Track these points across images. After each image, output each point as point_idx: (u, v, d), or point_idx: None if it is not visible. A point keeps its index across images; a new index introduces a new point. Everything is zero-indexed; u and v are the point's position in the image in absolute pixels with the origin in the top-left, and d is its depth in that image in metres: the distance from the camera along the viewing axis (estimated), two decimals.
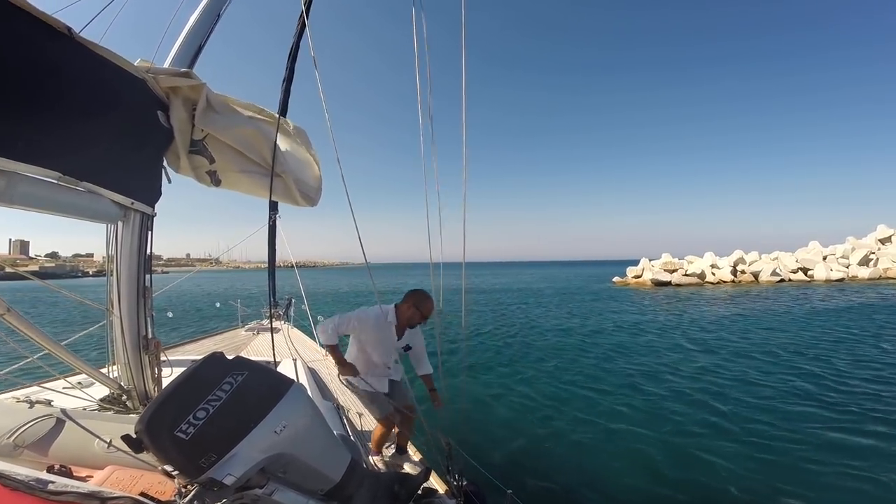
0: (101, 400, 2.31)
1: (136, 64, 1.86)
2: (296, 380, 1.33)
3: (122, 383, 2.26)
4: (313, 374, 4.40)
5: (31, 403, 1.75)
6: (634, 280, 38.63)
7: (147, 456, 1.42)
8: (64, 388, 2.47)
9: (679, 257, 40.51)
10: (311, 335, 6.09)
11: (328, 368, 4.82)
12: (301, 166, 2.49)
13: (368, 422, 3.57)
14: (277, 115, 2.41)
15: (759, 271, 36.56)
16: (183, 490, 1.06)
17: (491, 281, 50.01)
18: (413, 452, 3.21)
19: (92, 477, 1.43)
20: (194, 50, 2.49)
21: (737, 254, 38.96)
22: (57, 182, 1.51)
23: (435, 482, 2.45)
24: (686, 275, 36.71)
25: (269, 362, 3.54)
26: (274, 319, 6.73)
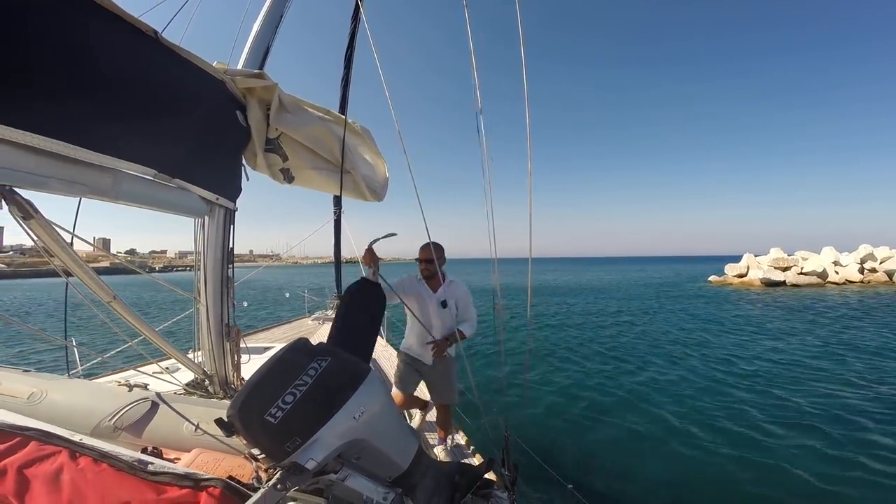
0: (187, 384, 2.45)
1: (214, 66, 1.93)
2: None
3: (205, 369, 2.39)
4: (374, 363, 4.48)
5: (131, 387, 1.85)
6: (737, 279, 33.51)
7: (233, 440, 1.46)
8: (154, 372, 2.65)
9: (788, 253, 34.42)
10: None
11: (388, 360, 4.88)
12: (368, 163, 2.51)
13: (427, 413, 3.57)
14: (344, 116, 2.43)
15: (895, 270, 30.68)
16: (265, 473, 1.06)
17: (551, 279, 46.80)
18: (464, 440, 3.19)
19: (180, 459, 1.48)
20: (262, 51, 2.55)
21: (864, 249, 32.76)
22: (153, 179, 1.58)
23: (490, 473, 2.39)
24: (802, 273, 31.30)
25: None
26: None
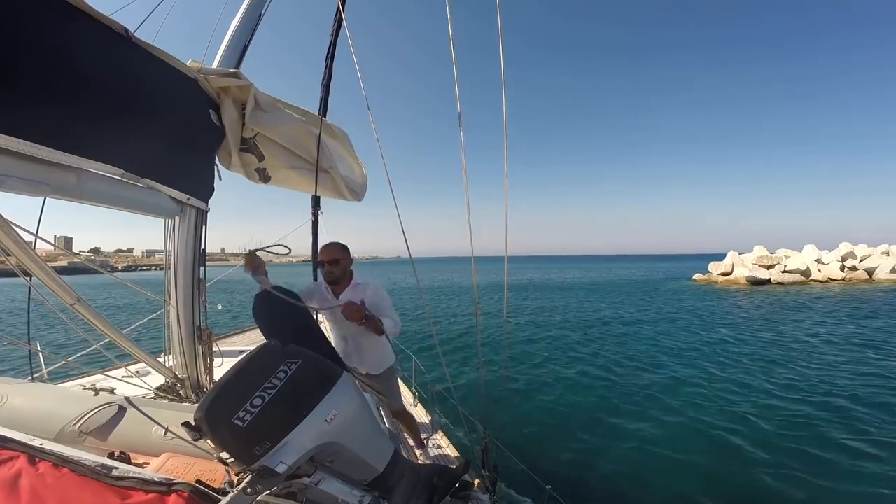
0: (158, 388, 2.37)
1: (188, 64, 1.88)
2: None
3: (176, 372, 2.32)
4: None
5: (96, 391, 1.79)
6: (722, 277, 32.94)
7: (202, 443, 1.43)
8: (123, 376, 2.55)
9: (770, 251, 34.03)
10: None
11: None
12: (346, 163, 2.50)
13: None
14: (320, 116, 2.41)
15: (875, 268, 30.86)
16: (236, 478, 1.04)
17: (533, 276, 47.24)
18: (446, 444, 3.18)
19: (149, 463, 1.44)
20: (240, 50, 2.49)
21: (844, 247, 32.72)
22: (120, 179, 1.53)
23: (468, 475, 2.41)
24: (786, 271, 31.18)
25: None
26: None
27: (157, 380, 2.42)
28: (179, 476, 1.19)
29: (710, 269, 35.05)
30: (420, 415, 3.63)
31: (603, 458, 4.83)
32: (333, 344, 2.48)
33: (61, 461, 0.94)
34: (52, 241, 1.73)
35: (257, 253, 2.19)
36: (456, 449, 3.10)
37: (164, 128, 1.70)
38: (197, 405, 1.98)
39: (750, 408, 6.35)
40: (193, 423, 1.00)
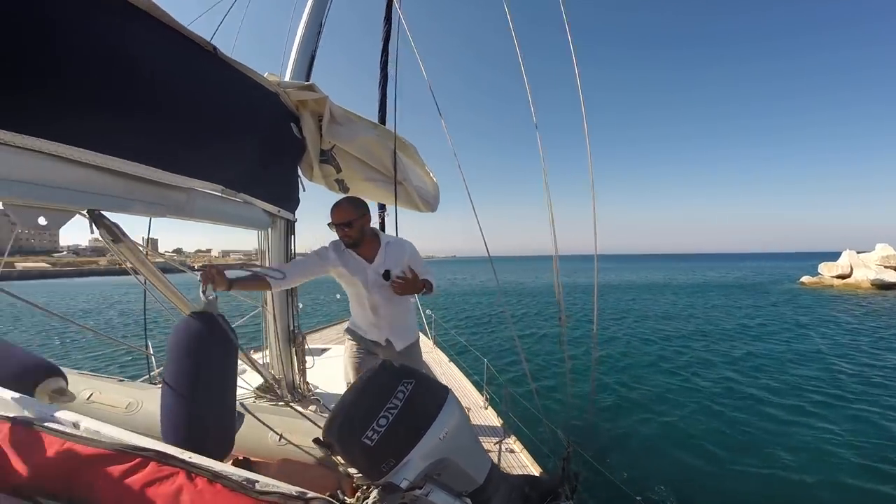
0: (257, 388, 2.50)
1: (267, 78, 1.91)
2: None
3: (274, 373, 2.44)
4: (425, 366, 4.47)
5: None
6: (839, 281, 27.70)
7: (315, 451, 1.50)
8: None
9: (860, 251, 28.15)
10: (419, 329, 6.18)
11: (435, 362, 4.86)
12: (418, 175, 2.50)
13: (476, 416, 3.54)
14: (384, 121, 2.39)
15: None
16: (349, 486, 1.14)
17: (613, 277, 40.38)
18: (519, 448, 3.08)
19: (267, 468, 1.50)
20: (308, 61, 2.55)
21: None
22: (220, 195, 1.61)
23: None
24: None
25: None
26: None
27: (254, 379, 2.55)
28: (295, 482, 1.24)
29: (820, 271, 29.80)
30: (491, 418, 3.56)
31: (698, 478, 4.27)
32: (353, 314, 2.17)
33: (214, 476, 0.99)
34: (165, 257, 1.85)
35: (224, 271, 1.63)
36: (530, 454, 3.01)
37: (254, 143, 1.76)
38: (306, 410, 2.07)
39: None
40: (324, 441, 1.07)
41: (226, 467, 1.05)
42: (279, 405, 2.34)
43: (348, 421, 1.06)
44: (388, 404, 1.07)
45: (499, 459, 2.90)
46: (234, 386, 1.41)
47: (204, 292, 1.41)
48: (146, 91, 1.15)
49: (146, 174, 1.19)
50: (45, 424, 1.15)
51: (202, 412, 1.25)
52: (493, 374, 4.11)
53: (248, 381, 2.54)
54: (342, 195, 2.24)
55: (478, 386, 4.03)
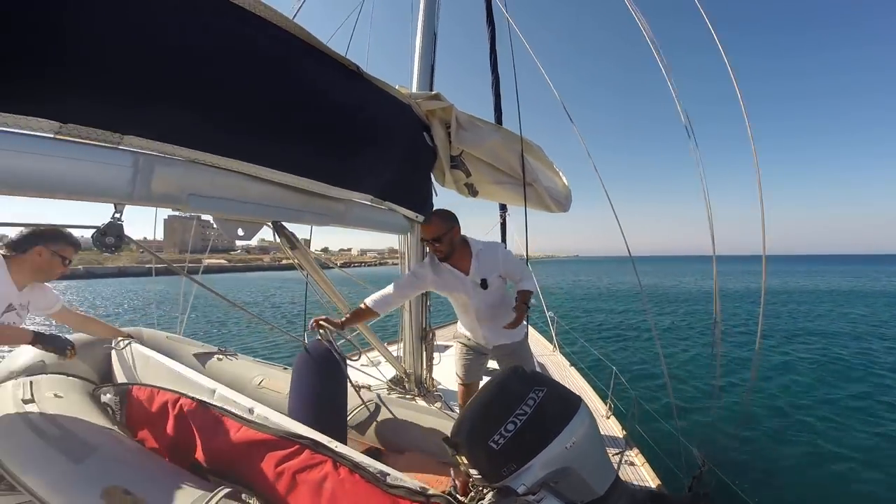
0: (390, 381, 2.70)
1: (400, 91, 2.00)
2: None
3: (405, 368, 2.61)
4: (544, 369, 4.37)
5: (359, 388, 2.05)
6: None
7: (436, 447, 1.57)
8: (361, 365, 2.98)
9: None
10: (542, 331, 6.05)
11: (556, 366, 4.71)
12: (547, 175, 2.45)
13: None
14: (520, 135, 2.36)
15: None
16: (462, 486, 1.17)
17: (779, 282, 31.89)
18: (640, 461, 2.82)
19: (393, 460, 1.60)
20: (429, 70, 2.64)
21: None
22: (370, 204, 1.77)
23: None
24: None
25: None
26: None
27: (387, 371, 2.76)
28: (413, 476, 1.31)
29: None
30: (613, 428, 3.33)
31: None
32: (459, 319, 2.19)
33: (354, 467, 1.11)
34: (324, 258, 2.10)
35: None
36: (651, 468, 2.75)
37: (396, 154, 1.89)
38: (430, 407, 2.18)
39: None
40: (452, 440, 1.11)
41: (364, 458, 1.17)
42: (406, 398, 2.50)
43: (477, 424, 1.09)
44: (518, 410, 1.09)
45: (617, 471, 2.71)
46: (344, 392, 1.73)
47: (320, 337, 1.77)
48: (315, 114, 1.31)
49: (315, 188, 1.37)
50: (226, 408, 1.40)
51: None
52: (622, 383, 3.84)
53: (382, 373, 2.77)
54: (471, 198, 2.30)
55: (601, 394, 3.82)
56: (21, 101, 0.76)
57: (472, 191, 2.31)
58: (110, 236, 0.91)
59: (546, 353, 5.23)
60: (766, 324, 12.62)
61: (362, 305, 1.89)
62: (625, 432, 3.22)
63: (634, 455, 2.92)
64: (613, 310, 16.90)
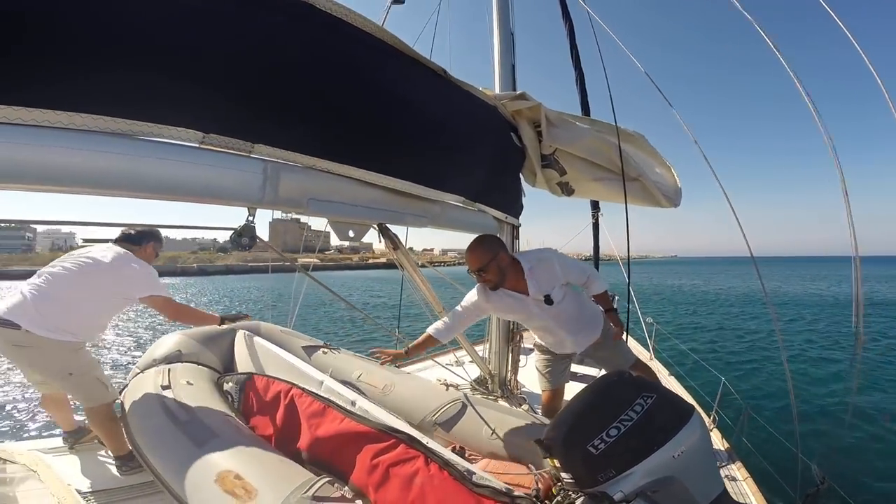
0: (474, 380, 2.69)
1: (485, 92, 1.98)
2: None
3: (490, 368, 2.58)
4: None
5: (447, 386, 2.07)
6: None
7: (520, 450, 1.53)
8: (447, 363, 3.01)
9: None
10: (637, 337, 5.70)
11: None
12: (654, 168, 2.27)
13: None
14: (615, 125, 2.20)
15: None
16: (545, 489, 1.14)
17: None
18: (743, 476, 2.53)
19: (476, 459, 1.58)
20: (510, 70, 2.56)
21: None
22: (462, 206, 1.76)
23: None
24: None
25: None
26: None
27: (472, 371, 2.75)
28: (500, 477, 1.28)
29: None
30: (715, 440, 3.05)
31: None
32: (537, 336, 2.07)
33: (444, 464, 1.11)
34: (410, 259, 2.14)
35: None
36: (755, 484, 2.46)
37: (486, 156, 1.87)
38: (517, 409, 2.13)
39: None
40: (545, 443, 1.08)
41: (453, 456, 1.16)
42: (489, 398, 2.46)
43: (576, 427, 1.05)
44: (623, 416, 1.04)
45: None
46: None
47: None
48: (410, 118, 1.35)
49: (414, 191, 1.40)
50: (332, 399, 1.47)
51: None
52: (731, 393, 3.52)
53: (467, 373, 2.76)
54: (564, 197, 2.20)
55: (704, 405, 3.50)
56: (171, 112, 0.85)
57: (566, 190, 2.21)
58: (245, 237, 0.99)
59: (642, 360, 4.88)
60: None
61: (426, 335, 1.85)
62: (728, 445, 3.01)
63: (737, 469, 2.71)
64: (728, 313, 15.09)
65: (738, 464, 2.73)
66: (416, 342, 1.86)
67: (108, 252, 1.72)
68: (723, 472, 2.65)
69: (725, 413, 3.43)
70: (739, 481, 2.58)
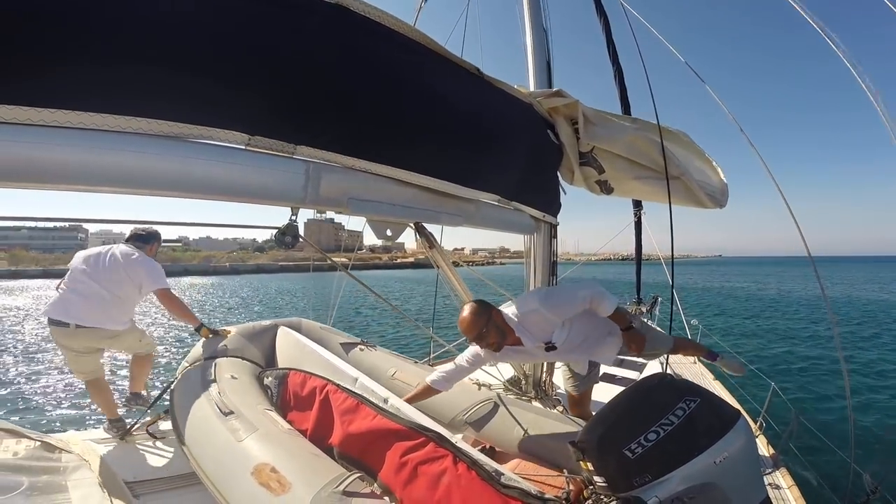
0: (507, 381, 2.64)
1: (520, 90, 1.93)
2: None
3: (525, 369, 2.53)
4: None
5: (479, 386, 2.05)
6: None
7: (552, 452, 1.48)
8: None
9: None
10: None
11: (696, 378, 4.20)
12: (697, 167, 2.16)
13: None
14: (657, 123, 2.09)
15: None
16: (575, 492, 1.11)
17: None
18: (787, 484, 2.38)
19: (506, 459, 1.55)
20: (545, 68, 2.50)
21: None
22: (497, 204, 1.73)
23: None
24: None
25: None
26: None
27: (506, 371, 2.70)
28: (531, 478, 1.25)
29: None
30: (760, 447, 2.90)
31: None
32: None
33: (472, 464, 1.09)
34: (445, 260, 2.13)
35: None
36: (800, 491, 2.34)
37: (521, 154, 1.84)
38: (552, 411, 2.08)
39: None
40: (579, 445, 1.05)
41: (482, 456, 1.13)
42: (523, 399, 2.41)
43: (613, 430, 1.02)
44: (663, 420, 1.00)
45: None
46: None
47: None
48: (445, 117, 1.34)
49: (449, 189, 1.38)
50: (365, 396, 1.47)
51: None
52: (781, 399, 3.35)
53: (501, 373, 2.72)
54: (604, 195, 2.12)
55: (751, 410, 3.34)
56: (219, 115, 0.86)
57: (605, 188, 2.13)
58: (289, 236, 1.00)
59: (685, 363, 4.70)
60: None
61: (425, 385, 1.77)
62: (773, 451, 2.87)
63: (781, 476, 2.58)
64: (784, 315, 14.06)
65: (784, 470, 2.61)
66: (412, 394, 1.78)
67: (125, 251, 2.02)
68: (766, 480, 2.52)
69: (774, 419, 3.26)
70: (784, 489, 2.46)
